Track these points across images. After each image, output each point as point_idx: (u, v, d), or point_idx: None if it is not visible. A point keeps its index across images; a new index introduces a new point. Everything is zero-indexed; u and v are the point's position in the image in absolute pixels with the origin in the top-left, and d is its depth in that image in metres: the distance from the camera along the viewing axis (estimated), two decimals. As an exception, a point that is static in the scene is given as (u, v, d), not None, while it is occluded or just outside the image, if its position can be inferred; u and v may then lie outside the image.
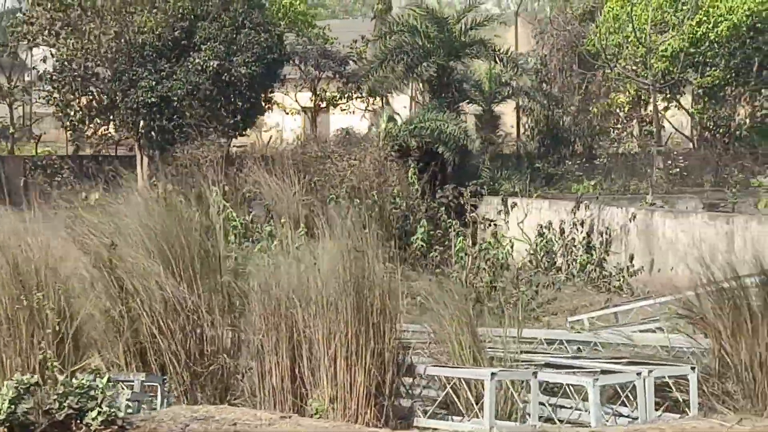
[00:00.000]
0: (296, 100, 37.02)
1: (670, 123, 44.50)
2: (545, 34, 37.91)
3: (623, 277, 20.67)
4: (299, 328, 9.90)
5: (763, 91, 40.95)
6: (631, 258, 21.17)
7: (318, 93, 36.26)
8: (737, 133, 42.09)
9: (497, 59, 29.29)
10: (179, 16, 30.16)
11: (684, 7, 40.46)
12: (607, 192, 28.97)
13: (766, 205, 26.45)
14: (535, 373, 9.66)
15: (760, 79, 41.19)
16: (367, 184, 22.25)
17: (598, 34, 38.53)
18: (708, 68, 40.59)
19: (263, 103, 32.01)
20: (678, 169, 39.02)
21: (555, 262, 21.78)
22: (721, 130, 43.74)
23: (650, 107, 41.09)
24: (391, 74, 28.65)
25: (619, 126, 41.67)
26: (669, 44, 39.61)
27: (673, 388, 10.36)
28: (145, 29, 29.81)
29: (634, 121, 42.64)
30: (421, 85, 29.48)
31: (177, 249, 10.58)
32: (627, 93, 41.93)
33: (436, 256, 19.42)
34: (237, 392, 10.42)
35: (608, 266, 21.45)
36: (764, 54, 41.37)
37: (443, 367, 9.93)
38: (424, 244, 19.82)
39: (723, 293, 10.47)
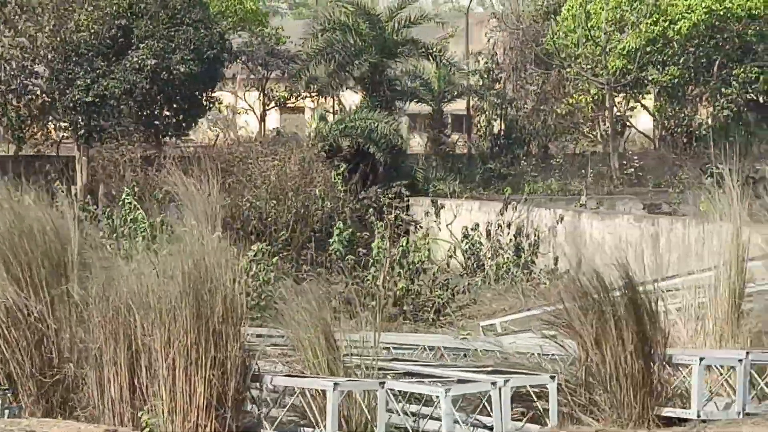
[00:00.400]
0: (244, 99, 36.59)
1: (630, 123, 44.34)
2: (501, 32, 37.56)
3: (549, 279, 20.27)
4: (138, 336, 9.49)
5: (723, 90, 40.76)
6: (556, 260, 20.82)
7: (266, 92, 35.82)
8: (697, 133, 41.91)
9: (430, 58, 28.85)
10: (116, 13, 29.69)
11: (641, 6, 40.27)
12: (546, 192, 28.69)
13: (705, 207, 26.15)
14: (382, 383, 9.27)
15: (720, 78, 40.95)
16: (290, 184, 21.82)
17: (555, 33, 38.36)
18: (667, 67, 40.41)
19: (205, 103, 31.54)
20: (633, 169, 38.80)
21: (482, 265, 21.38)
22: (679, 130, 43.57)
23: (610, 107, 40.88)
24: (323, 73, 28.22)
25: (583, 125, 41.43)
26: (627, 42, 39.40)
27: (534, 397, 10.00)
28: (82, 27, 29.34)
29: (595, 121, 42.47)
30: (353, 83, 28.99)
31: (21, 254, 10.17)
32: (589, 93, 41.76)
33: (352, 259, 18.99)
34: (83, 403, 10.00)
35: (536, 269, 21.08)
36: (725, 53, 41.15)
37: (288, 377, 9.53)
38: (341, 247, 19.37)
39: (588, 300, 10.12)
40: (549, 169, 37.21)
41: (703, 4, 39.29)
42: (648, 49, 39.88)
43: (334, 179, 23.08)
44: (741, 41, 40.82)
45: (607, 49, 40.71)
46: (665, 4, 40.38)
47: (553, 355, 10.85)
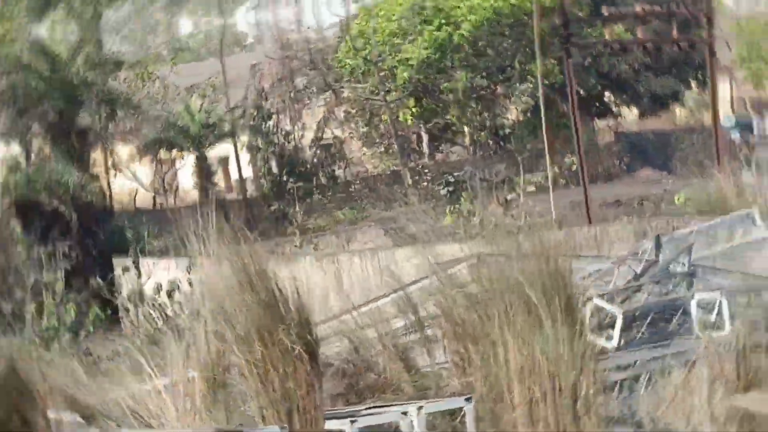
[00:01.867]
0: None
1: (437, 135, 43.15)
2: (266, 63, 35.87)
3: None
4: None
5: (519, 86, 39.93)
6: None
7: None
8: (501, 133, 41.21)
9: (117, 104, 26.68)
10: None
11: (422, 14, 39.32)
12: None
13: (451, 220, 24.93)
14: None
15: (519, 75, 40.15)
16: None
17: (343, 55, 37.52)
18: (456, 71, 39.51)
19: None
20: (426, 183, 37.54)
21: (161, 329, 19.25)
22: (483, 134, 42.63)
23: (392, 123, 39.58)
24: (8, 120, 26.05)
25: (379, 145, 40.10)
26: (412, 52, 38.31)
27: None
28: None
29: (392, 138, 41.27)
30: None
31: None
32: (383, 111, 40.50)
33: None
34: None
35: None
36: (522, 49, 40.34)
37: None
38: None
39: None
40: (349, 196, 35.90)
41: (486, 4, 38.36)
42: (437, 56, 38.85)
43: (19, 236, 20.74)
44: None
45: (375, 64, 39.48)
46: (448, 8, 39.38)
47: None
